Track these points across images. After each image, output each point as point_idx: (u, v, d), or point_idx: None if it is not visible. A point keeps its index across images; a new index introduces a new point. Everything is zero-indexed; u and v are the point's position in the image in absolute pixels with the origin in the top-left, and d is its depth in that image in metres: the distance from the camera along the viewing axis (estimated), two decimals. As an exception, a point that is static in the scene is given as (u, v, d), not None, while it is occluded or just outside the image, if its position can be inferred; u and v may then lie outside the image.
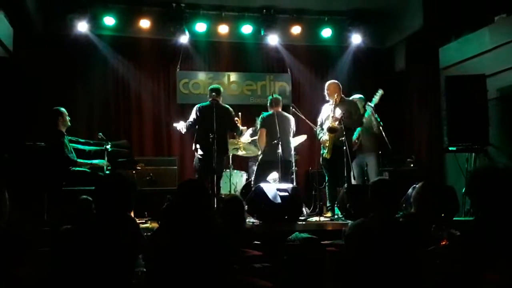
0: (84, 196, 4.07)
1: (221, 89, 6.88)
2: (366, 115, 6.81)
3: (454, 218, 5.21)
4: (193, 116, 6.57)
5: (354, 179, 6.61)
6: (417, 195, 3.72)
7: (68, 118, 5.94)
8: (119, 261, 2.81)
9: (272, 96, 6.92)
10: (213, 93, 6.60)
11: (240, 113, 7.03)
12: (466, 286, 2.48)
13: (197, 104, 6.72)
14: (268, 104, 6.87)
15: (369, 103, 6.87)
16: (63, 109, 5.96)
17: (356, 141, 6.70)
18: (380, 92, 6.82)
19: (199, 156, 6.51)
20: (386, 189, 3.50)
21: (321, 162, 6.63)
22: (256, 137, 6.99)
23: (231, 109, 6.68)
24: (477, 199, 2.76)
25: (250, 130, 7.60)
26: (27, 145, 5.90)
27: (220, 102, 6.64)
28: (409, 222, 3.48)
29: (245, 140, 7.36)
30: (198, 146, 6.49)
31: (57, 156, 5.58)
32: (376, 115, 6.93)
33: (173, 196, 3.25)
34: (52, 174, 5.48)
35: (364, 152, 6.87)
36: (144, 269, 3.02)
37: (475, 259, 2.48)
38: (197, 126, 6.56)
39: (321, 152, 6.52)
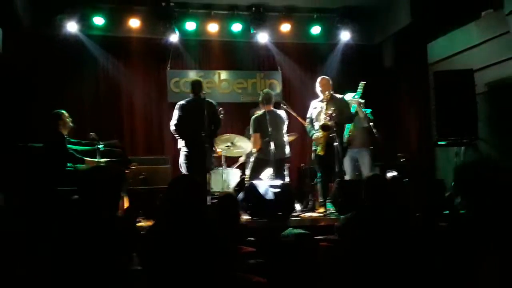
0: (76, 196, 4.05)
1: (202, 81, 6.76)
2: (352, 110, 6.84)
3: (444, 212, 5.30)
4: (177, 114, 6.34)
5: (345, 174, 6.66)
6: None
7: (68, 119, 5.87)
8: (106, 260, 2.82)
9: (263, 92, 6.78)
10: (197, 88, 6.42)
11: (221, 108, 6.82)
12: (457, 276, 2.53)
13: None
14: (260, 102, 6.73)
15: (354, 97, 6.85)
16: (62, 111, 5.89)
17: (350, 137, 6.74)
18: (362, 84, 6.82)
19: (186, 153, 6.37)
20: (380, 184, 3.58)
21: (313, 159, 6.65)
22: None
23: (214, 102, 6.49)
24: (462, 194, 2.81)
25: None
26: (19, 146, 5.86)
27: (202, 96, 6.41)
28: (399, 214, 3.53)
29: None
30: (183, 143, 6.38)
31: (59, 155, 5.53)
32: (365, 109, 6.98)
33: (165, 192, 3.24)
34: (49, 174, 5.44)
35: (355, 146, 6.89)
36: (140, 267, 3.03)
37: (463, 252, 2.52)
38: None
39: (313, 148, 6.55)
